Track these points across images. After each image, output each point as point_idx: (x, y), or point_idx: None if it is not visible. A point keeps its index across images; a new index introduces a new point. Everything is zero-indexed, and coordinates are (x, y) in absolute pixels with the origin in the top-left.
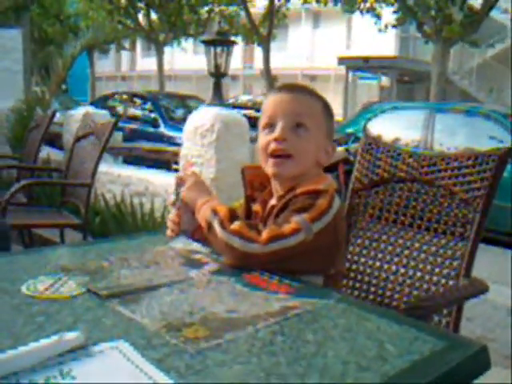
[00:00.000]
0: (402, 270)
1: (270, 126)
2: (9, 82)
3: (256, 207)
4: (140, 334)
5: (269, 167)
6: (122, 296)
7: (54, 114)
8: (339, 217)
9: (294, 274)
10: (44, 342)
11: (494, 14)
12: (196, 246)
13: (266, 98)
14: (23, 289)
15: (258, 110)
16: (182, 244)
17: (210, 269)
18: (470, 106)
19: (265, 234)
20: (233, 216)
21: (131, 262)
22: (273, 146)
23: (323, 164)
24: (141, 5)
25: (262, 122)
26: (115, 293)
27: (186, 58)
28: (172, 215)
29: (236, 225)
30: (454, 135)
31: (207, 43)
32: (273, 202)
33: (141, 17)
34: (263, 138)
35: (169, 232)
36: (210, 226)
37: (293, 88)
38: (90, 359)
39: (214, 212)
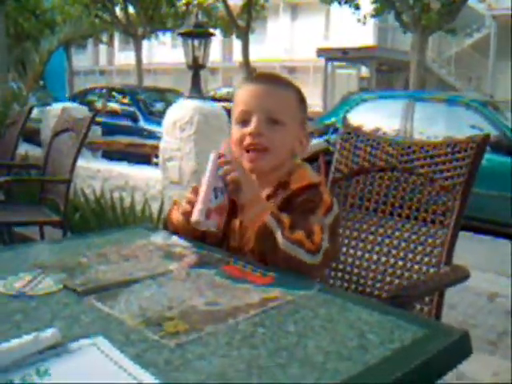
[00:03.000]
0: (383, 259)
1: (244, 119)
2: None
3: None
4: (118, 330)
5: (245, 162)
6: (99, 292)
7: (30, 110)
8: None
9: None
10: (20, 340)
11: (471, 3)
12: (176, 239)
13: (240, 88)
14: None
15: None
16: (161, 238)
17: (189, 261)
18: (449, 94)
19: (315, 242)
20: (292, 224)
21: (109, 257)
22: (248, 140)
23: (298, 154)
24: None
25: (235, 115)
26: (93, 288)
27: (165, 52)
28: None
29: (298, 234)
30: (434, 124)
31: (185, 35)
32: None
33: (118, 10)
34: (237, 131)
35: (188, 208)
36: (268, 232)
37: (267, 79)
38: (67, 357)
39: (277, 219)
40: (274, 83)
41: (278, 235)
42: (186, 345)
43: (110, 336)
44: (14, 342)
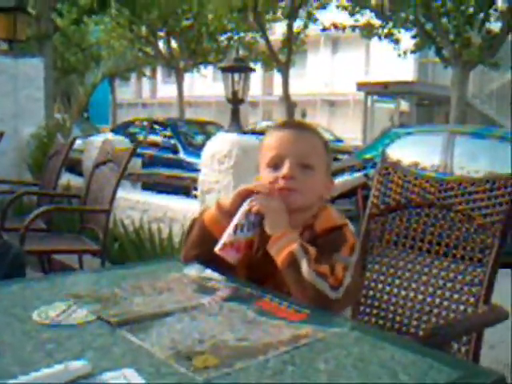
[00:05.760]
0: (420, 297)
1: (276, 163)
2: (31, 109)
3: None
4: (149, 363)
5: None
6: (132, 323)
7: (73, 141)
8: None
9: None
10: (50, 370)
11: None
12: (210, 272)
13: (269, 134)
14: (34, 315)
15: None
16: (195, 271)
17: (222, 295)
18: (490, 129)
19: (338, 278)
20: (318, 257)
21: (144, 289)
22: (281, 183)
23: (324, 198)
24: (161, 33)
25: (266, 159)
26: (126, 320)
27: (206, 85)
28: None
29: (324, 267)
30: (474, 159)
31: (225, 70)
32: None
33: (161, 45)
34: (269, 174)
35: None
36: (294, 261)
37: (297, 126)
38: None
39: (305, 250)
40: (303, 129)
41: (304, 265)
42: (216, 380)
43: (141, 368)
44: (45, 371)
